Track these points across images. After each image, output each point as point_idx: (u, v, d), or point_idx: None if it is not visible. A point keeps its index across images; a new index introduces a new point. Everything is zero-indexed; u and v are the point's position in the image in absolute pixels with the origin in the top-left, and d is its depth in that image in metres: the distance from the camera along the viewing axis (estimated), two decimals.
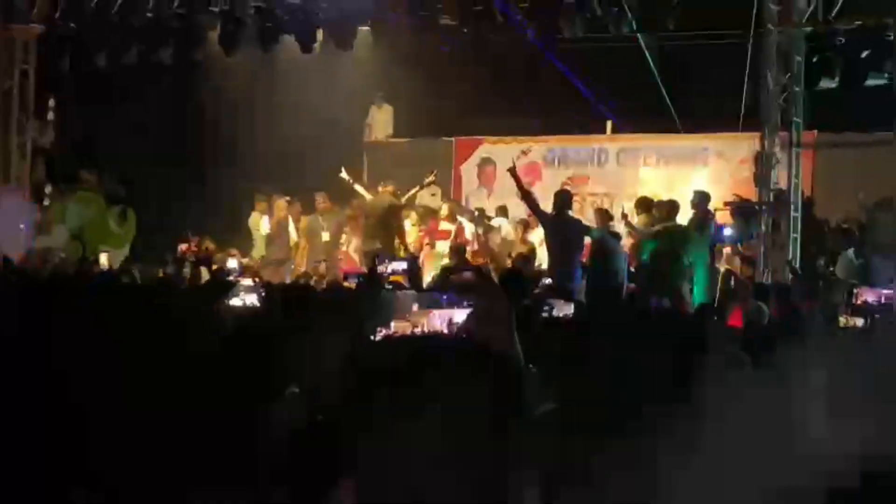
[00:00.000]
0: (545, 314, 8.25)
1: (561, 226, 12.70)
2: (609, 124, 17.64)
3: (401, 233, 15.31)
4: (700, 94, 15.90)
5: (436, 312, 8.62)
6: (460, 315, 7.98)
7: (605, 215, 14.39)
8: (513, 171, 13.14)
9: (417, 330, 7.60)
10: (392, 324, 7.82)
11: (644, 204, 14.46)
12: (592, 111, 17.15)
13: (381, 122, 18.61)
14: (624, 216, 14.48)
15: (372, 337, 6.36)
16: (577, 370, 4.20)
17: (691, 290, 12.49)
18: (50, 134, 16.82)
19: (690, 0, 14.53)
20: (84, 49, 16.63)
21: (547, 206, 13.65)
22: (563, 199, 13.37)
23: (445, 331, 7.61)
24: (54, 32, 16.63)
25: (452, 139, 18.66)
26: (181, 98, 17.44)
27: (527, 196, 13.05)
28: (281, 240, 16.49)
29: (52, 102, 17.16)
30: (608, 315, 7.90)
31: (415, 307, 9.13)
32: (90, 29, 16.44)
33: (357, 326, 4.93)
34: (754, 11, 13.56)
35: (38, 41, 16.73)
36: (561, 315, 8.50)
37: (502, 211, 16.39)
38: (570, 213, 13.28)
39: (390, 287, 11.22)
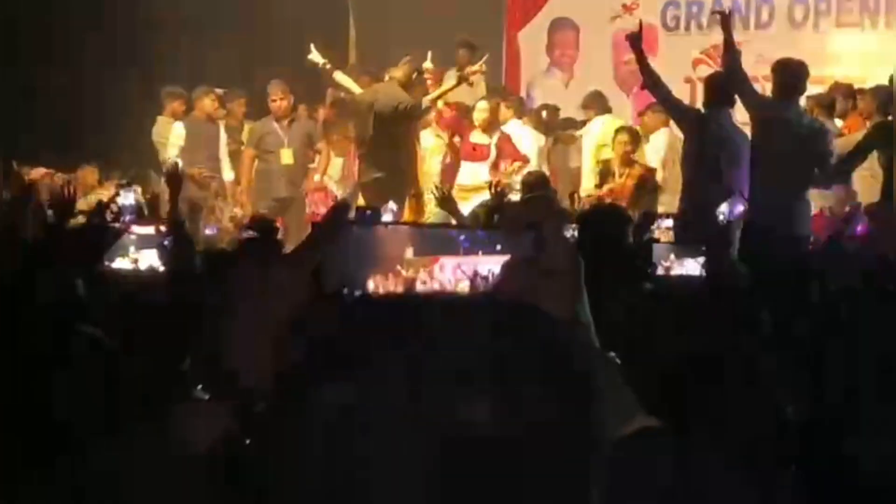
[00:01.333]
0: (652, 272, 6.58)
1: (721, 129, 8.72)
2: None
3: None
4: None
5: (446, 261, 5.78)
6: (489, 265, 5.50)
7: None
8: (634, 38, 9.19)
9: (417, 286, 5.42)
10: (370, 280, 5.53)
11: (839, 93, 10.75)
12: None
13: None
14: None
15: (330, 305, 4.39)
16: (715, 370, 3.04)
17: None
18: None
19: None
20: None
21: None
22: (722, 83, 9.29)
23: (461, 289, 5.40)
24: None
25: None
26: None
27: (656, 85, 9.20)
28: (206, 157, 12.14)
29: None
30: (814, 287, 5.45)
31: (409, 252, 6.02)
32: None
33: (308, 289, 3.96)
34: None
35: None
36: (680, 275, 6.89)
37: (594, 106, 12.21)
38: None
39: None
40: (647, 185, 10.56)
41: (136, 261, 7.64)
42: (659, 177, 10.83)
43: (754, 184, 7.99)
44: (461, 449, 1.39)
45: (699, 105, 9.61)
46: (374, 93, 11.05)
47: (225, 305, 4.35)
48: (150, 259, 7.62)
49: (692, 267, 7.01)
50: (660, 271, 6.76)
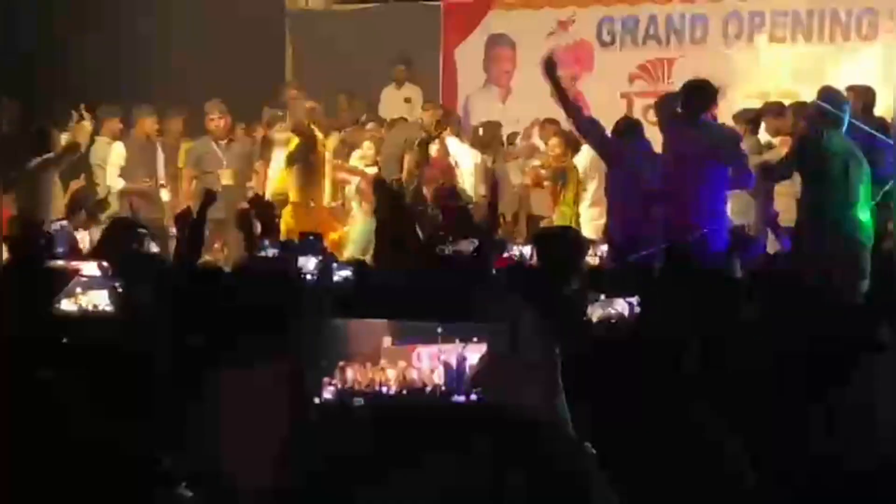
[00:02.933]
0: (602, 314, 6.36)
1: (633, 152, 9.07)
2: None
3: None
4: None
5: (423, 350, 5.03)
6: (466, 353, 4.89)
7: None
8: (548, 65, 9.19)
9: (391, 384, 4.74)
10: (347, 370, 4.84)
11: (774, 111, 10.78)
12: None
13: None
14: None
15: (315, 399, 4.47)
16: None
17: None
18: None
19: None
20: None
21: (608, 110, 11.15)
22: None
23: (443, 383, 4.81)
24: None
25: (439, 2, 14.54)
26: None
27: (572, 110, 9.38)
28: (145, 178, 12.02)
29: None
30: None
31: (387, 341, 5.28)
32: None
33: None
34: None
35: None
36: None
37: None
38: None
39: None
40: None
41: (84, 306, 7.23)
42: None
43: (669, 204, 8.18)
44: None
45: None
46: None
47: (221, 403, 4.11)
48: (98, 301, 7.17)
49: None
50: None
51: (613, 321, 6.27)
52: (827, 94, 9.20)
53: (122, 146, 11.80)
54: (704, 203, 8.10)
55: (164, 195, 12.05)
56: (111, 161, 11.81)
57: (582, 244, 6.74)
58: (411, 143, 11.06)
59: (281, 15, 14.28)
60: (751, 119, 10.80)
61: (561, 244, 6.54)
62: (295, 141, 10.76)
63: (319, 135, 11.07)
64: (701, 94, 8.35)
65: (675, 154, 8.22)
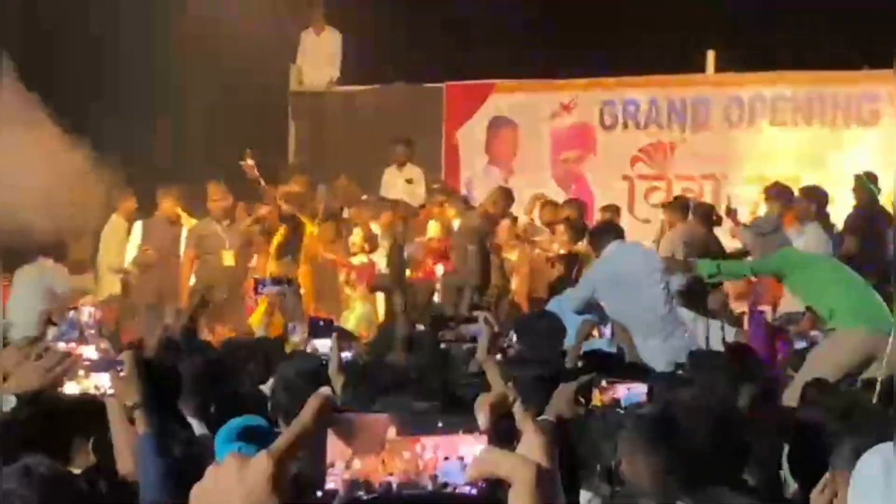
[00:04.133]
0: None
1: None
2: (710, 56, 13.78)
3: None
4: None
5: (426, 441, 2.70)
6: (467, 445, 2.43)
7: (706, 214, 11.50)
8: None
9: (394, 476, 2.34)
10: (355, 460, 2.46)
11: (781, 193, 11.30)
12: (681, 36, 13.64)
13: (320, 56, 14.86)
14: (730, 213, 11.30)
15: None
16: None
17: None
18: None
19: None
20: None
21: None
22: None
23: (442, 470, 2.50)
24: None
25: (442, 85, 14.57)
26: None
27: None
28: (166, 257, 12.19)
29: None
30: None
31: (392, 432, 2.86)
32: None
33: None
34: None
35: None
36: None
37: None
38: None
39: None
40: None
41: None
42: None
43: None
44: None
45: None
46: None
47: None
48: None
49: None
50: None
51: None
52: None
53: (141, 226, 12.09)
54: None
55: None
56: (132, 241, 12.09)
57: (559, 329, 6.94)
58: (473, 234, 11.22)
59: (285, 96, 14.56)
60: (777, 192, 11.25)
61: (540, 329, 6.85)
62: (282, 231, 11.10)
63: (306, 221, 11.37)
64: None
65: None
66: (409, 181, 12.80)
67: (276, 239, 11.07)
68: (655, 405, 5.24)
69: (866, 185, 11.69)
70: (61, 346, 7.58)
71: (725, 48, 13.67)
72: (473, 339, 7.22)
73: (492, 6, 13.64)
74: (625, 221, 12.06)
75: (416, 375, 6.44)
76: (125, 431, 4.58)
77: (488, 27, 13.93)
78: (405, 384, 5.86)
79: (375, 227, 12.17)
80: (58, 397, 4.98)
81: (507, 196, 11.64)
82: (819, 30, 12.97)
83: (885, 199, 11.61)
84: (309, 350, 8.35)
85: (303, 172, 12.36)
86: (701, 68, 13.84)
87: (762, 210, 11.44)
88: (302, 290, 11.73)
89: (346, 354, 7.69)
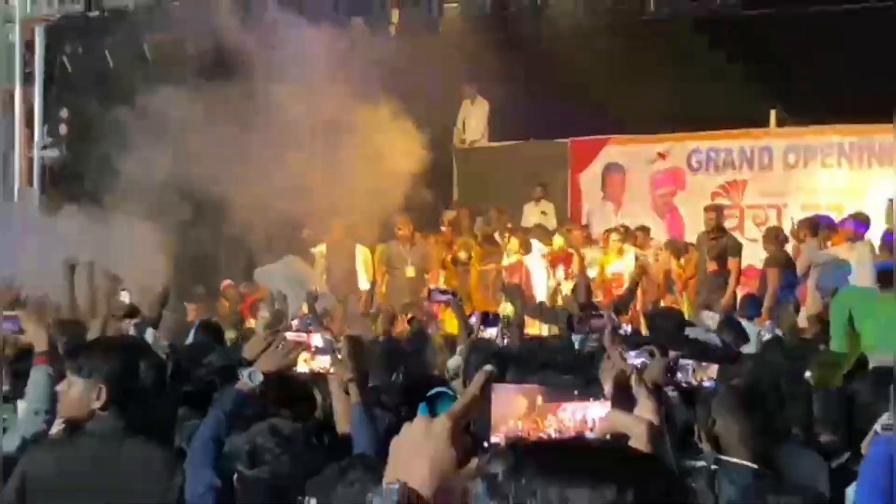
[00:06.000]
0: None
1: None
2: (773, 114, 15.41)
3: None
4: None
5: (567, 405, 5.99)
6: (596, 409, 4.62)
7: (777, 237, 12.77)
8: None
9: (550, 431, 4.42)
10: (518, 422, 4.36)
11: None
12: (750, 97, 14.88)
13: (474, 120, 16.79)
14: (796, 233, 12.94)
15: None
16: None
17: None
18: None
19: None
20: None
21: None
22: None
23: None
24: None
25: (567, 140, 16.56)
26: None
27: None
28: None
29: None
30: None
31: (539, 399, 6.30)
32: None
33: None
34: None
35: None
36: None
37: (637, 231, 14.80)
38: None
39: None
40: None
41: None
42: None
43: None
44: None
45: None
46: None
47: None
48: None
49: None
50: None
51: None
52: None
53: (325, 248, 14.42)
54: None
55: (363, 284, 14.35)
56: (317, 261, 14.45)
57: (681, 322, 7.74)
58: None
59: (450, 149, 16.84)
60: (808, 226, 12.62)
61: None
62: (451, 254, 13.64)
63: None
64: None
65: None
66: (544, 213, 15.10)
67: (448, 257, 13.47)
68: (746, 377, 6.11)
69: None
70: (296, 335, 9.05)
71: (784, 107, 15.14)
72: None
73: (603, 75, 14.42)
74: None
75: (560, 358, 7.17)
76: (343, 400, 5.21)
77: (602, 95, 14.54)
78: (550, 364, 6.58)
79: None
80: (293, 374, 5.54)
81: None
82: (859, 88, 13.74)
83: None
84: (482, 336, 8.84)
85: (462, 206, 14.89)
86: (765, 123, 15.55)
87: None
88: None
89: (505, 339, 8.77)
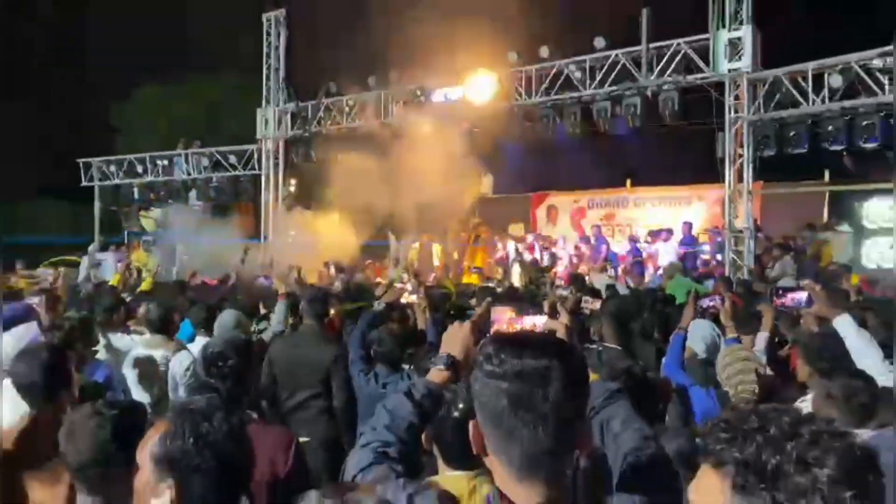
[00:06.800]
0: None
1: None
2: (628, 181, 25.54)
3: None
4: (684, 165, 22.91)
5: (526, 318, 5.78)
6: (541, 320, 5.34)
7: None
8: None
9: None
10: (504, 325, 5.75)
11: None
12: (617, 174, 24.93)
13: (485, 185, 27.50)
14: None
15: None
16: None
17: None
18: None
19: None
20: None
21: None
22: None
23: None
24: None
25: (530, 194, 27.13)
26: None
27: None
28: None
29: None
30: None
31: (512, 314, 6.07)
32: None
33: None
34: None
35: None
36: None
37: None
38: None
39: None
40: None
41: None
42: None
43: None
44: None
45: None
46: None
47: None
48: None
49: None
50: None
51: None
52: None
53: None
54: None
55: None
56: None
57: None
58: None
59: (475, 200, 25.31)
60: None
61: None
62: None
63: None
64: None
65: None
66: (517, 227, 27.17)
67: None
68: (615, 304, 8.54)
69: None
70: (401, 285, 14.42)
71: (634, 177, 24.41)
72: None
73: (547, 167, 24.14)
74: None
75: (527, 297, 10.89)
76: (422, 316, 8.17)
77: (549, 172, 24.46)
78: (520, 298, 10.43)
79: None
80: (399, 303, 9.00)
81: None
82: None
83: (696, 231, 21.07)
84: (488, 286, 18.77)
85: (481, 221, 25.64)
86: (625, 185, 24.73)
87: None
88: None
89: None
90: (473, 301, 10.85)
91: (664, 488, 2.64)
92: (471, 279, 21.30)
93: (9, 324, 6.60)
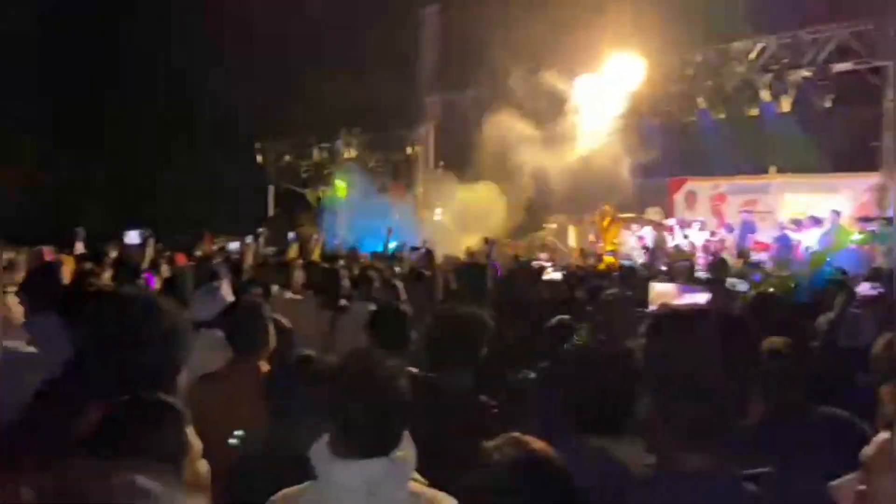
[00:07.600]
0: None
1: None
2: (772, 168, 24.81)
3: None
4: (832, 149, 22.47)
5: (686, 294, 8.26)
6: (699, 297, 8.03)
7: None
8: None
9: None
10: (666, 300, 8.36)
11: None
12: (760, 160, 24.29)
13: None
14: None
15: None
16: None
17: None
18: None
19: None
20: None
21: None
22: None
23: None
24: None
25: (667, 179, 26.67)
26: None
27: None
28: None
29: None
30: None
31: (676, 290, 9.02)
32: None
33: None
34: None
35: None
36: None
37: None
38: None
39: None
40: None
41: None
42: None
43: None
44: None
45: None
46: None
47: None
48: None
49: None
50: None
51: None
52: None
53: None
54: None
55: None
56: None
57: None
58: None
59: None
60: None
61: None
62: None
63: None
64: None
65: None
66: (657, 212, 25.84)
67: None
68: None
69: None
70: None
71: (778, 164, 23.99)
72: None
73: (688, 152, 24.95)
74: None
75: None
76: None
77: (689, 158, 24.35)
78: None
79: None
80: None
81: None
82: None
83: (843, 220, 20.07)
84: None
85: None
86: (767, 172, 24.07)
87: None
88: None
89: None
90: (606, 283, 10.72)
91: None
92: (608, 261, 21.06)
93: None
